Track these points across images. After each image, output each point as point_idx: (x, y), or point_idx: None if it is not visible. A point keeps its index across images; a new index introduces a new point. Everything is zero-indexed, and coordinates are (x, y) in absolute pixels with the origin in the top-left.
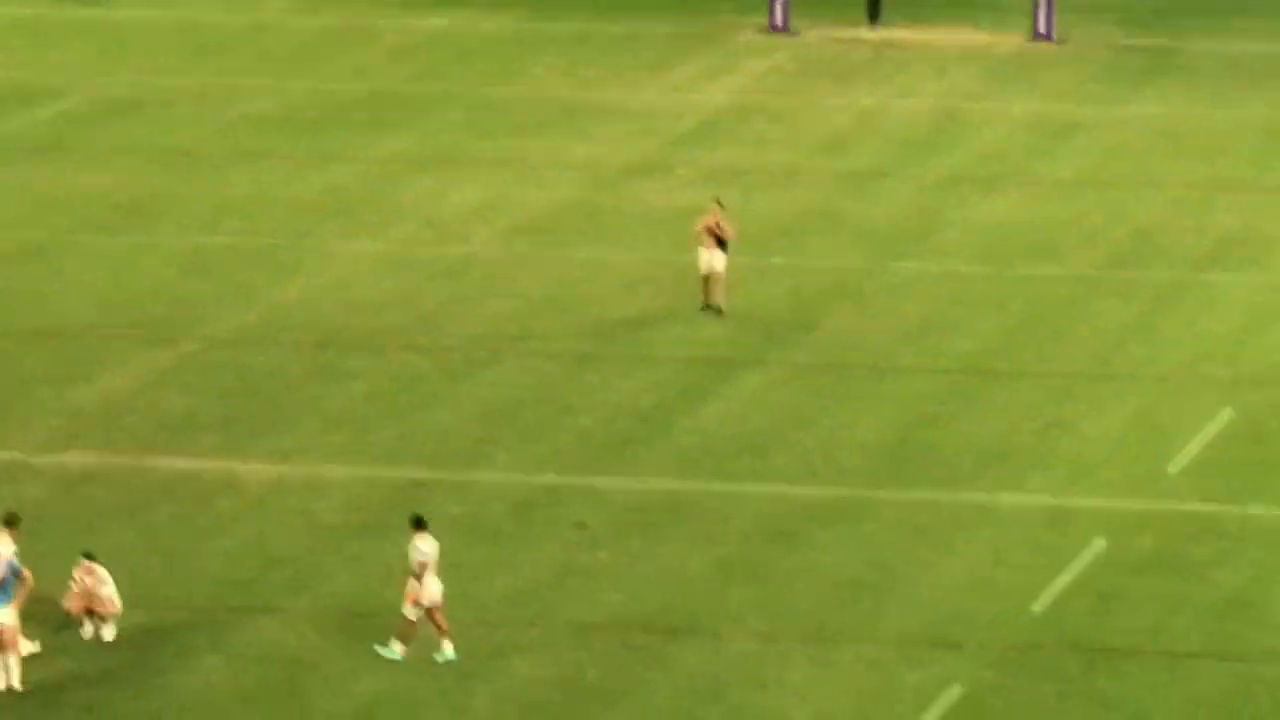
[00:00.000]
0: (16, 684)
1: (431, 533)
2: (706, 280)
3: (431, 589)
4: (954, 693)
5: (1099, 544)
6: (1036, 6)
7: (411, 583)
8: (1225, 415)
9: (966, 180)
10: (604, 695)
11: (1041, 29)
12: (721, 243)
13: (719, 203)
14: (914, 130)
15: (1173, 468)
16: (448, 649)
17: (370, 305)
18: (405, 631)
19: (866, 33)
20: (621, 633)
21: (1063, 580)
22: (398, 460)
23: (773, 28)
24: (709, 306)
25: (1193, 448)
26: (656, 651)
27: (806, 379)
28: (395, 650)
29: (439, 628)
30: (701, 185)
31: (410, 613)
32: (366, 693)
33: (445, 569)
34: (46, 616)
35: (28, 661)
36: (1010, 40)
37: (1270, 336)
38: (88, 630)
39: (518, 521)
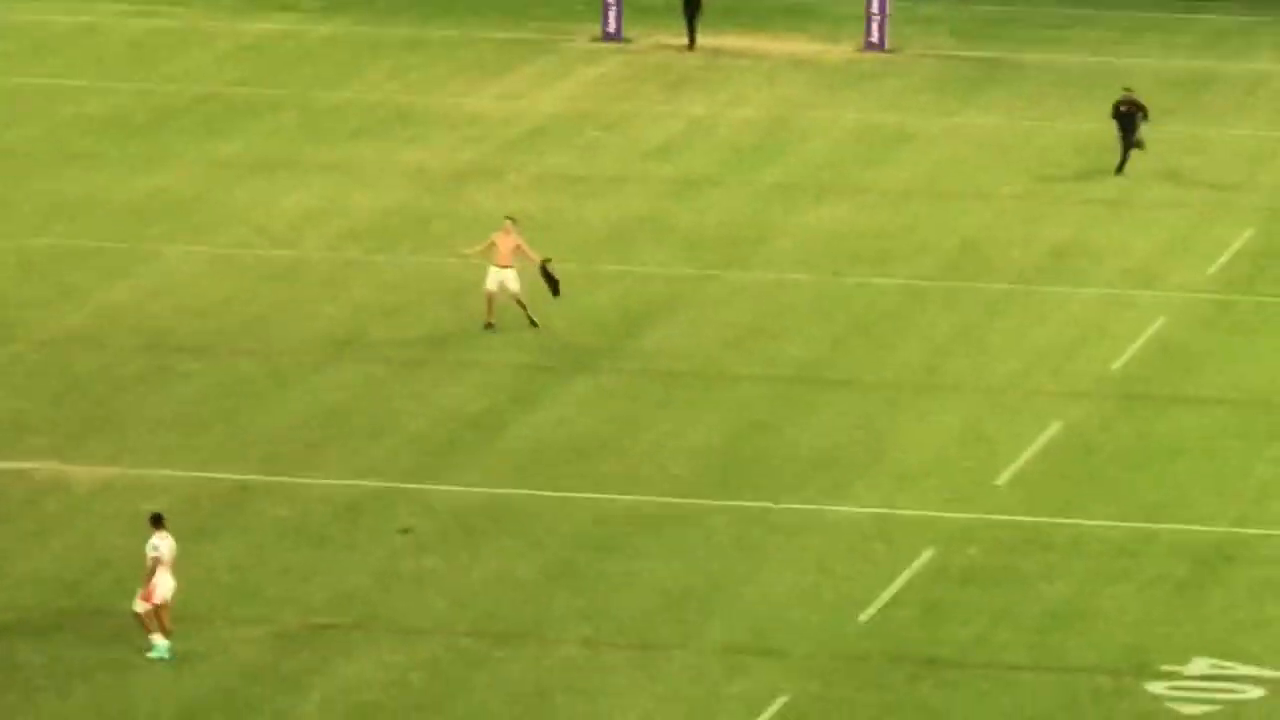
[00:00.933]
0: None
1: (169, 530)
2: (491, 299)
3: (163, 586)
4: (779, 702)
5: (926, 554)
6: (869, 16)
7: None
8: (1053, 427)
9: (797, 189)
10: (429, 700)
11: (874, 38)
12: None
13: (511, 219)
14: (745, 138)
15: (1000, 479)
16: (161, 645)
17: (200, 308)
18: (146, 624)
19: (699, 39)
20: (447, 638)
21: (889, 590)
22: (226, 462)
23: (605, 35)
24: (490, 325)
25: (1020, 459)
26: (482, 657)
27: (636, 386)
28: (160, 646)
29: (163, 626)
30: (532, 191)
31: (140, 607)
32: (190, 696)
33: (272, 572)
34: None
35: None
36: (842, 49)
37: (1098, 349)
38: None
39: (345, 525)
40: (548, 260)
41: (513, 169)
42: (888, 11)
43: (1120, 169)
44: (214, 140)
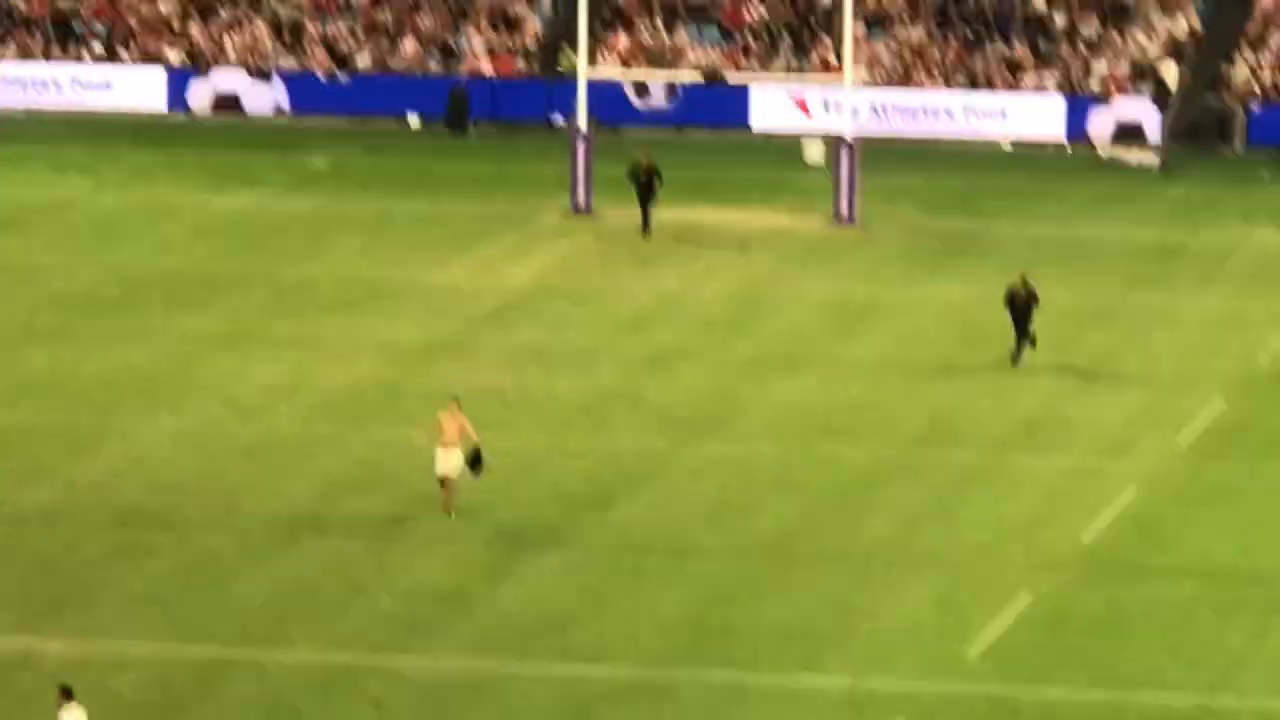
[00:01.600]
0: None
1: (79, 703)
2: (443, 482)
3: None
4: None
5: None
6: (838, 190)
7: None
8: (1024, 598)
9: (767, 361)
10: None
11: (843, 212)
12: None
13: (457, 401)
14: (715, 311)
15: (971, 650)
16: None
17: (170, 484)
18: None
19: (671, 213)
20: None
21: None
22: (197, 638)
23: (575, 209)
24: (449, 512)
25: (991, 631)
26: None
27: (606, 559)
28: None
29: None
30: (503, 366)
31: None
32: None
33: None
34: None
35: None
36: (812, 223)
37: (1068, 519)
38: None
39: (316, 701)
40: (478, 448)
41: (483, 344)
42: (856, 185)
43: (1016, 360)
44: (183, 315)
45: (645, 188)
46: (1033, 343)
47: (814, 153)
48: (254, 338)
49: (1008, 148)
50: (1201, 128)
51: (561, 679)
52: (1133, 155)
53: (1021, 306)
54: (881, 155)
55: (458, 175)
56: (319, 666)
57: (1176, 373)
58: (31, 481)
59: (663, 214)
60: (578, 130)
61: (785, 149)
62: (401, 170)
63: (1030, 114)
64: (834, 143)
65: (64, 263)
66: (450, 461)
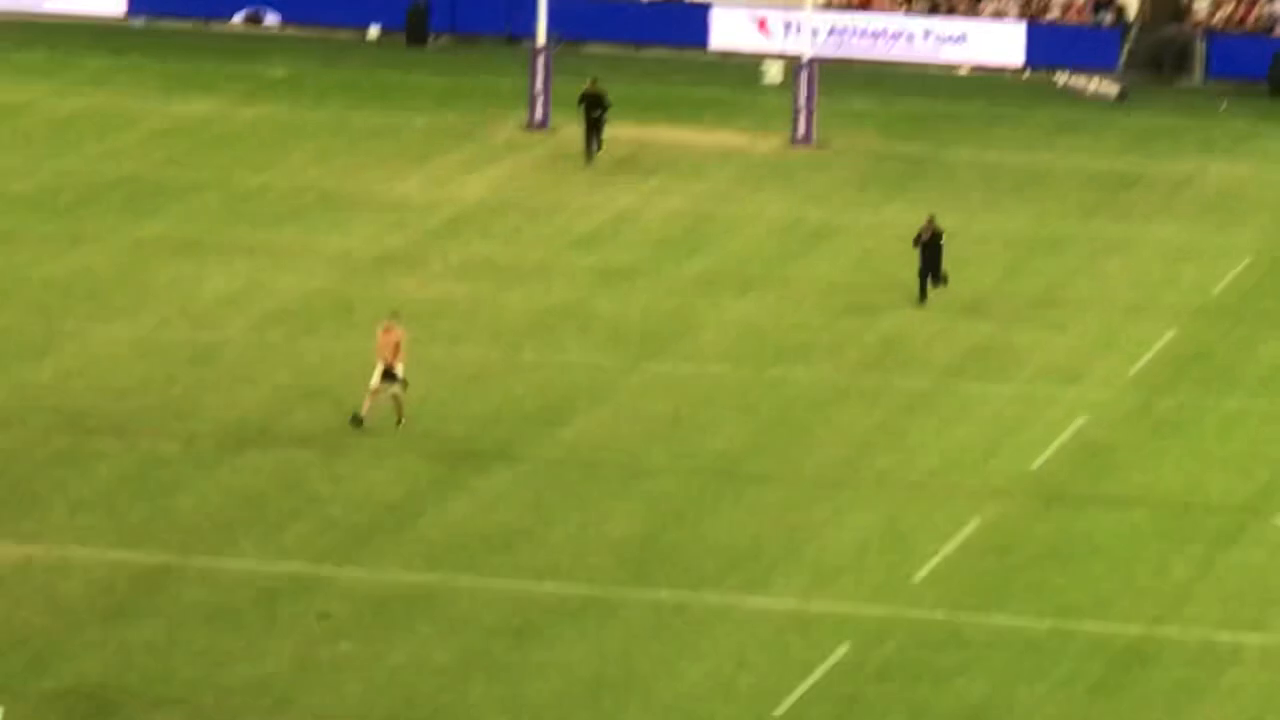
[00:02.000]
0: None
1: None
2: (376, 393)
3: None
4: None
5: (842, 649)
6: (797, 111)
7: None
8: (971, 524)
9: (721, 281)
10: None
11: (801, 133)
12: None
13: (394, 314)
14: (670, 230)
15: (918, 576)
16: None
17: (120, 390)
18: None
19: (628, 130)
20: None
21: (805, 684)
22: (144, 544)
23: (531, 124)
24: (358, 419)
25: (938, 556)
26: None
27: (556, 475)
28: None
29: None
30: (456, 278)
31: None
32: None
33: (189, 654)
34: None
35: None
36: (770, 143)
37: (1017, 447)
38: None
39: (262, 609)
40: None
41: (436, 256)
42: (815, 107)
43: (923, 298)
44: (137, 221)
45: (592, 115)
46: (945, 280)
47: (773, 73)
48: (207, 245)
49: (964, 73)
50: (1161, 57)
51: (508, 593)
52: (1090, 84)
53: (930, 245)
54: (840, 78)
55: (415, 88)
56: (266, 575)
57: (1129, 302)
58: None
59: (619, 131)
60: (536, 45)
61: (744, 69)
62: (359, 81)
63: (990, 40)
64: (793, 64)
65: (19, 166)
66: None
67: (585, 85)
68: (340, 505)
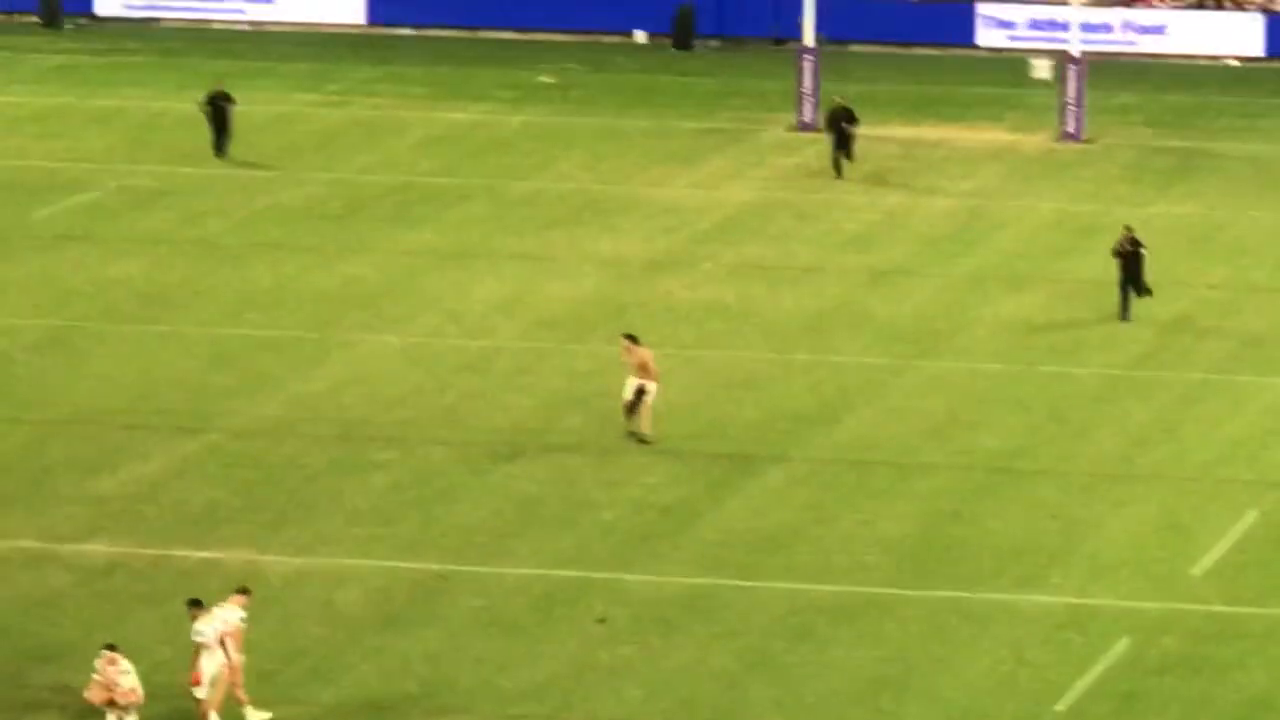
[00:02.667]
0: None
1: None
2: (630, 408)
3: (209, 668)
4: None
5: (1122, 644)
6: (1065, 106)
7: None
8: (1249, 516)
9: (992, 279)
10: None
11: (1070, 128)
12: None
13: (629, 337)
14: (940, 228)
15: (1196, 569)
16: (253, 717)
17: (392, 398)
18: (202, 712)
19: (896, 130)
20: None
21: (1085, 680)
22: (420, 553)
23: (800, 125)
24: (634, 434)
25: (1216, 549)
26: None
27: (829, 475)
28: None
29: (238, 699)
30: (727, 281)
31: (199, 693)
32: None
33: (467, 662)
34: (69, 706)
35: None
36: (1038, 140)
37: None
38: None
39: (539, 615)
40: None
41: (707, 258)
42: (1084, 102)
43: (1124, 315)
44: (407, 229)
45: (840, 133)
46: (1149, 292)
47: (1041, 69)
48: (477, 252)
49: (1233, 64)
50: None
51: (785, 595)
52: None
53: (1130, 256)
54: (1108, 72)
55: (683, 91)
56: (541, 581)
57: None
58: (255, 395)
59: (888, 131)
60: (804, 46)
61: (1011, 65)
62: (627, 86)
63: (1248, 32)
64: (1061, 59)
65: (288, 177)
66: (634, 388)
67: (834, 101)
68: (615, 510)
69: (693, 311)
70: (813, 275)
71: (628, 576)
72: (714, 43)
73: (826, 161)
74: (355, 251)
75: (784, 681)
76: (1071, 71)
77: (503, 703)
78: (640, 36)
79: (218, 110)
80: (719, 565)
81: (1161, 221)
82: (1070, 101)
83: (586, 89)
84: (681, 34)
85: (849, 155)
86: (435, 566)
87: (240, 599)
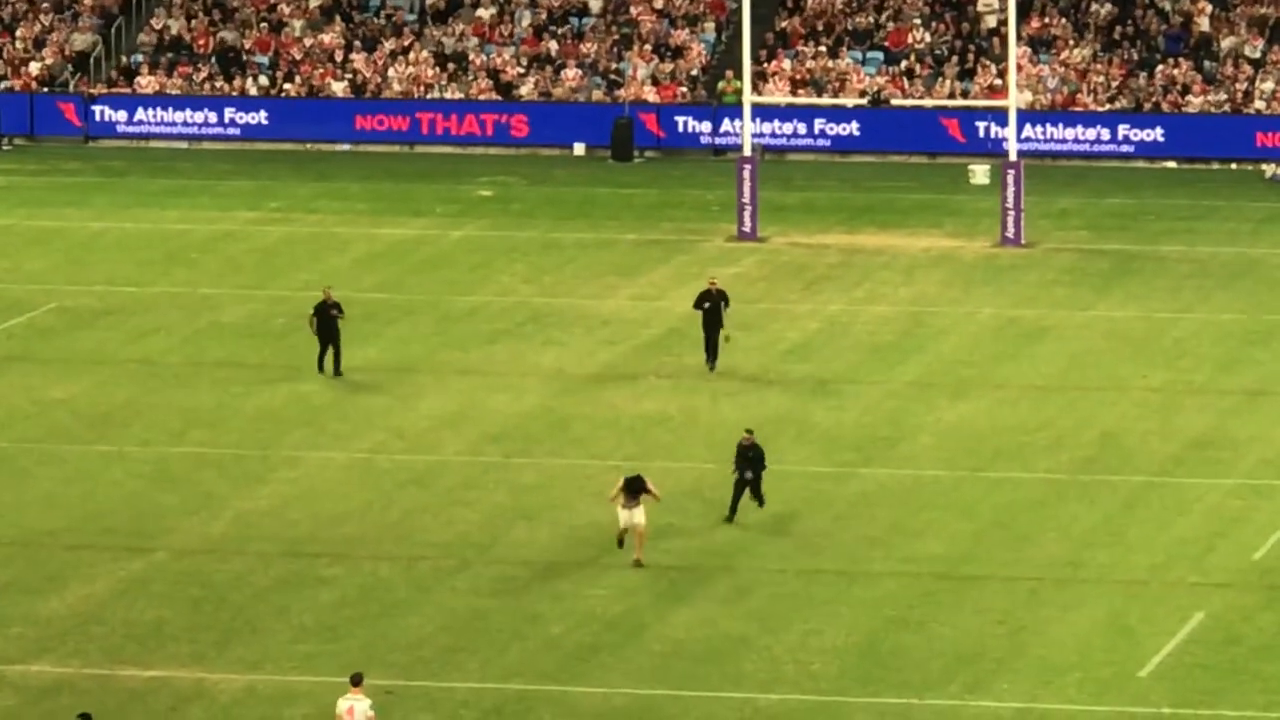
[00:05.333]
0: None
1: None
2: (624, 534)
3: None
4: None
5: None
6: (1005, 211)
7: None
8: (1196, 618)
9: (934, 385)
10: None
11: (1010, 233)
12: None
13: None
14: (882, 336)
15: (1144, 671)
16: None
17: (338, 514)
18: None
19: (835, 238)
20: None
21: None
22: (367, 668)
23: (741, 235)
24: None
25: (1163, 651)
26: None
27: (776, 585)
28: None
29: None
30: (670, 392)
31: None
32: None
33: None
34: None
35: None
36: (978, 245)
37: (1239, 538)
38: None
39: None
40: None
41: (651, 370)
42: (1023, 206)
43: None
44: (351, 346)
45: (711, 313)
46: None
47: (980, 174)
48: (421, 368)
49: (1171, 166)
50: None
51: (734, 704)
52: None
53: (710, 309)
54: (1047, 176)
55: (623, 203)
56: (490, 695)
57: None
58: (200, 513)
59: (829, 239)
60: (743, 157)
61: (951, 171)
62: (566, 198)
63: (1194, 134)
64: (1000, 163)
65: (230, 295)
66: (628, 518)
67: (708, 285)
68: (562, 623)
69: (636, 423)
70: (755, 385)
71: (576, 689)
72: (653, 153)
73: (769, 269)
74: (298, 369)
75: None
76: (1009, 176)
77: None
78: (579, 149)
79: (325, 322)
80: (667, 676)
81: (1102, 324)
82: (1009, 206)
83: (526, 202)
84: (620, 145)
85: (715, 346)
86: (383, 682)
87: None
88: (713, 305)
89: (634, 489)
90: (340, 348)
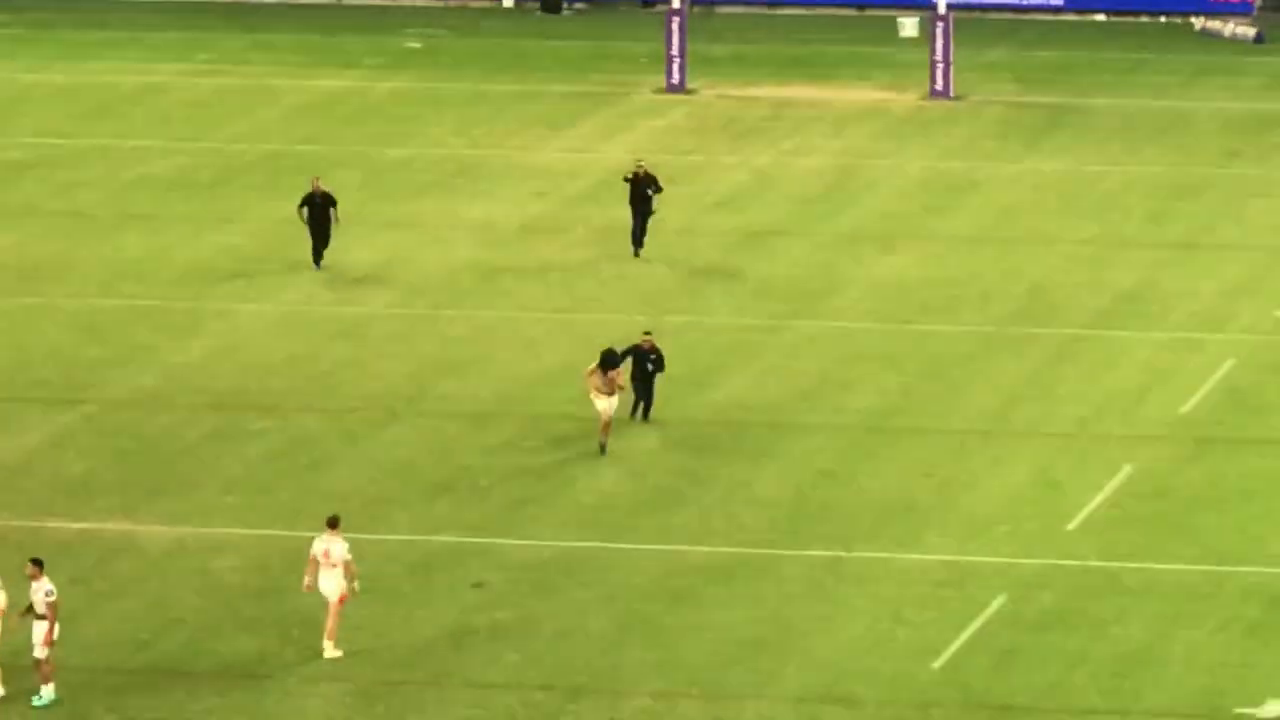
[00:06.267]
0: None
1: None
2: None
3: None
4: None
5: (998, 601)
6: (934, 64)
7: (37, 625)
8: (1124, 472)
9: (864, 238)
10: None
11: (939, 86)
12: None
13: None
14: (811, 188)
15: (1072, 524)
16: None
17: (267, 366)
18: (46, 673)
19: (765, 90)
20: (521, 693)
21: (963, 637)
22: (296, 521)
23: (669, 87)
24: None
25: (1091, 504)
26: (556, 711)
27: (705, 437)
28: (46, 694)
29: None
30: (599, 244)
31: (41, 653)
32: None
33: (345, 629)
34: None
35: None
36: (908, 98)
37: (1168, 392)
38: None
39: (416, 581)
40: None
41: (580, 222)
42: (952, 59)
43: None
44: (279, 198)
45: (640, 199)
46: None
47: (909, 27)
48: (350, 219)
49: (1100, 19)
50: None
51: (661, 557)
52: (1228, 26)
53: (636, 189)
54: (977, 29)
55: (552, 55)
56: (418, 546)
57: (1273, 244)
58: (129, 365)
59: (758, 91)
60: (672, 8)
61: (880, 24)
62: (495, 50)
63: None
64: (929, 16)
65: (159, 147)
66: (611, 406)
67: (636, 166)
68: (491, 475)
69: (565, 275)
70: (684, 237)
71: (504, 541)
72: (581, 5)
73: (698, 121)
74: (227, 221)
75: (662, 644)
76: (939, 29)
77: (381, 668)
78: (508, 1)
79: (316, 214)
80: (596, 529)
81: (1031, 178)
82: (938, 59)
83: (455, 54)
84: None
85: (644, 230)
86: (311, 535)
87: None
88: (638, 188)
89: (609, 364)
90: (328, 241)
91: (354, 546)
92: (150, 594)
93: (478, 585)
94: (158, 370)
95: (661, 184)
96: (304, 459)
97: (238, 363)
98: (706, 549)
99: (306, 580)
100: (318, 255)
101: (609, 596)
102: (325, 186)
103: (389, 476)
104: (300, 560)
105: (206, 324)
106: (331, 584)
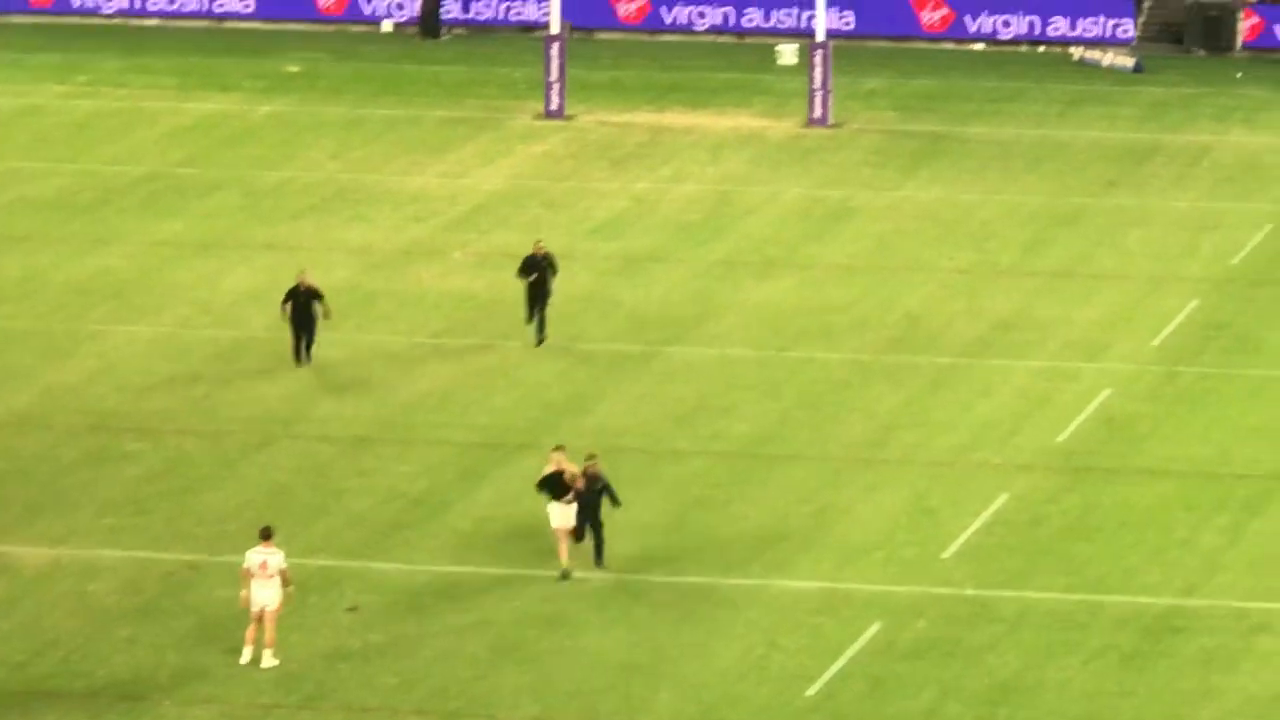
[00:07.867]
0: None
1: None
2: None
3: None
4: None
5: (873, 628)
6: (812, 92)
7: None
8: (999, 500)
9: (741, 264)
10: None
11: (817, 114)
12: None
13: (559, 448)
14: (689, 215)
15: (947, 552)
16: None
17: (144, 389)
18: None
19: (643, 116)
20: (395, 716)
21: (837, 665)
22: (172, 543)
23: (548, 113)
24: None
25: (966, 533)
26: None
27: (580, 462)
28: None
29: None
30: (477, 269)
31: None
32: None
33: (219, 652)
34: None
35: None
36: (786, 125)
37: (1044, 421)
38: None
39: (291, 604)
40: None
41: (458, 247)
42: (830, 87)
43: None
44: (157, 220)
45: (536, 284)
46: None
47: (788, 55)
48: (228, 243)
49: (978, 49)
50: (1188, 29)
51: (536, 581)
52: (1106, 56)
53: (538, 276)
54: (855, 57)
55: (430, 80)
56: (294, 569)
57: (1150, 274)
58: (5, 387)
59: (636, 117)
60: (550, 35)
61: (759, 51)
62: (374, 74)
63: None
64: (808, 44)
65: (37, 169)
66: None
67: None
68: (367, 499)
69: (442, 300)
70: (562, 263)
71: (379, 565)
72: (460, 30)
73: (576, 147)
74: (105, 243)
75: (536, 669)
76: (818, 56)
77: (255, 691)
78: (387, 25)
79: (300, 310)
80: (471, 553)
81: (908, 206)
82: (817, 87)
83: (333, 78)
84: (428, 22)
85: (542, 323)
86: (187, 557)
87: None
88: (539, 274)
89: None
90: (314, 337)
91: (229, 569)
92: (25, 615)
93: (352, 609)
94: (34, 391)
95: (558, 265)
96: (180, 481)
97: (114, 384)
98: (581, 574)
99: (243, 594)
100: (298, 352)
101: (484, 621)
102: (311, 281)
103: (265, 499)
104: (176, 583)
105: (83, 346)
106: (269, 593)
